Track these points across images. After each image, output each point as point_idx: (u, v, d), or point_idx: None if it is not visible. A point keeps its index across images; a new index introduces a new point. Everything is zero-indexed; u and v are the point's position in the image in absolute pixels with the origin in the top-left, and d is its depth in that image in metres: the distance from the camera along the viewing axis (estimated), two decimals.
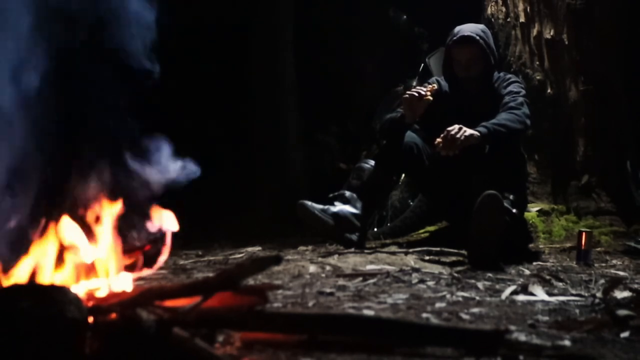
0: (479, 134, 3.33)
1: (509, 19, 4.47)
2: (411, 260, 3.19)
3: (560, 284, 2.83)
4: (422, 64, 4.86)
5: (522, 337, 1.88)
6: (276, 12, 5.61)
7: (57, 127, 2.49)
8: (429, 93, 3.47)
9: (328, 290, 2.51)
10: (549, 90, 4.32)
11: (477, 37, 3.59)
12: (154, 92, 2.70)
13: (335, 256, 3.22)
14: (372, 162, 3.62)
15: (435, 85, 3.58)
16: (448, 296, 2.48)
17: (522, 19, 4.41)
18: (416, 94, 3.46)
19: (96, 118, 2.69)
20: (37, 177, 2.38)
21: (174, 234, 2.38)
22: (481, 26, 3.77)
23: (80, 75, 2.61)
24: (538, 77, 4.34)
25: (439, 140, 3.28)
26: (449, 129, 3.27)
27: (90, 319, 1.71)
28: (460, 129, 3.26)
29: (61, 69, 2.46)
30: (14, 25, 2.28)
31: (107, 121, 2.68)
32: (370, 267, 3.00)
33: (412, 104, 3.48)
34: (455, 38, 3.61)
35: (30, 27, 2.30)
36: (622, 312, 2.14)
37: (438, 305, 2.32)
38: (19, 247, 2.17)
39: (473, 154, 3.38)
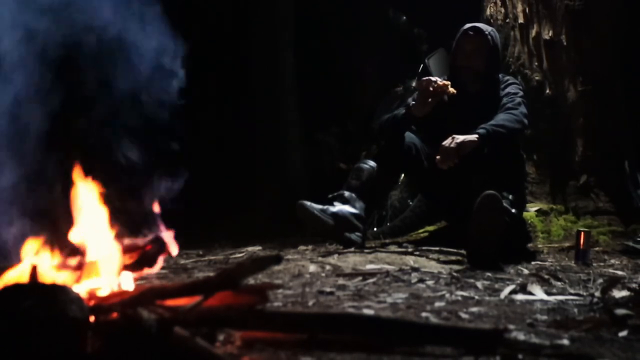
0: (477, 136, 3.37)
1: (507, 20, 4.48)
2: (410, 259, 3.20)
3: (559, 283, 2.84)
4: (422, 65, 4.88)
5: (521, 336, 1.89)
6: (276, 12, 5.62)
7: (53, 123, 2.50)
8: (450, 89, 3.47)
9: (328, 289, 2.52)
10: (547, 91, 4.34)
11: (486, 32, 3.70)
12: (154, 93, 2.71)
13: (335, 256, 3.23)
14: (372, 163, 3.63)
15: (449, 83, 3.54)
16: (447, 295, 2.49)
17: (520, 20, 4.43)
18: (437, 83, 3.47)
19: (96, 118, 2.70)
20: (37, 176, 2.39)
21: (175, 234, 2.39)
22: (493, 28, 3.86)
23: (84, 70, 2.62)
24: (537, 78, 4.35)
25: (437, 157, 3.35)
26: (443, 143, 3.35)
27: (92, 318, 1.72)
28: (452, 139, 3.33)
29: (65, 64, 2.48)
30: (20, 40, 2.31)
31: (107, 122, 2.69)
32: (369, 267, 3.02)
33: (429, 93, 3.47)
34: (465, 27, 3.72)
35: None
36: (621, 311, 2.15)
37: (437, 304, 2.33)
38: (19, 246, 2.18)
39: (472, 155, 3.40)
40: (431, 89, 3.48)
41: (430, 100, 3.48)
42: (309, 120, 5.73)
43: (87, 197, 2.22)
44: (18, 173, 2.32)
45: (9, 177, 2.31)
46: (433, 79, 3.52)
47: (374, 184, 3.59)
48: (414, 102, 3.56)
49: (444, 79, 3.63)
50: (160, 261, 2.30)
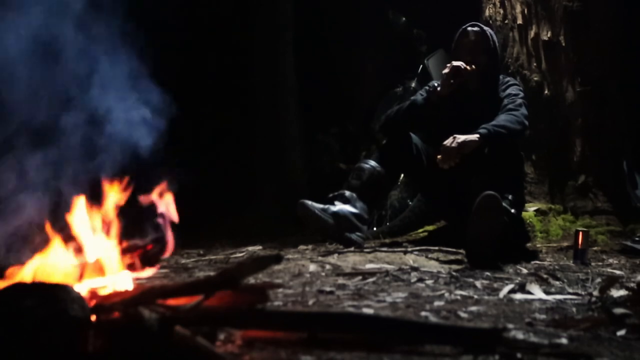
0: (478, 136, 3.38)
1: (506, 21, 4.49)
2: (410, 259, 3.21)
3: (558, 282, 2.85)
4: (421, 66, 4.89)
5: (520, 335, 1.90)
6: (277, 13, 5.63)
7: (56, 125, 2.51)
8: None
9: (328, 288, 2.53)
10: (546, 92, 4.35)
11: (486, 29, 3.79)
12: (155, 94, 2.72)
13: (335, 255, 3.24)
14: (372, 162, 3.65)
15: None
16: (447, 295, 2.50)
17: (519, 21, 4.43)
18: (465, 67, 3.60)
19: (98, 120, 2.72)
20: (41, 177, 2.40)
21: (175, 234, 2.40)
22: (491, 31, 3.93)
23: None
24: (535, 79, 4.36)
25: (438, 156, 3.36)
26: (444, 142, 3.37)
27: (93, 318, 1.73)
28: (453, 138, 3.35)
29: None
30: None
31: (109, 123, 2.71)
32: (369, 266, 3.02)
33: (455, 74, 3.58)
34: (464, 26, 3.79)
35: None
36: (619, 310, 2.15)
37: (437, 303, 2.34)
38: (23, 246, 2.19)
39: (472, 155, 3.41)
40: (456, 71, 3.59)
41: (452, 81, 3.57)
42: (309, 120, 5.74)
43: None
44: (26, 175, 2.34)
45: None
46: (463, 64, 3.62)
47: (374, 183, 3.60)
48: (436, 85, 3.64)
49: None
50: (161, 260, 2.31)
